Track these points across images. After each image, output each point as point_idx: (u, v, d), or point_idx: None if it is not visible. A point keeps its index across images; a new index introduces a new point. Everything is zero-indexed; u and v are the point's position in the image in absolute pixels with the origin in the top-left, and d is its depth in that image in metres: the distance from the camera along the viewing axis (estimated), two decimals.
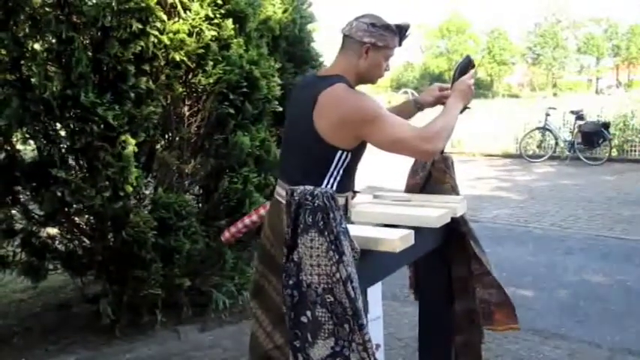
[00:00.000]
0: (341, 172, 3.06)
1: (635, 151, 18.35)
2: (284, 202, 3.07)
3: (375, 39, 3.07)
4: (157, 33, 4.80)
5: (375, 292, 3.87)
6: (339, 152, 3.02)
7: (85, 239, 5.49)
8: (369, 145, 3.09)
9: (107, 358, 4.98)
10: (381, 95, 49.15)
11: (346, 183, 3.11)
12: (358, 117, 2.94)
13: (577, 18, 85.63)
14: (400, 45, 3.21)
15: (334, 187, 3.04)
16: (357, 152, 3.08)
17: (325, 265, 2.31)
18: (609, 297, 6.30)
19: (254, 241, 5.31)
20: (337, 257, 2.29)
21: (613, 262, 7.60)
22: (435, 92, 3.59)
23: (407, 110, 3.57)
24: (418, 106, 3.60)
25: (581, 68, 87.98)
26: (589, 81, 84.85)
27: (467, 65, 3.71)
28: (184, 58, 4.99)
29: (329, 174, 3.05)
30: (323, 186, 3.02)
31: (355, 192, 3.29)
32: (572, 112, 18.75)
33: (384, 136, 2.95)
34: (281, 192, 3.13)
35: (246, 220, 3.58)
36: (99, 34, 4.68)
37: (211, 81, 5.18)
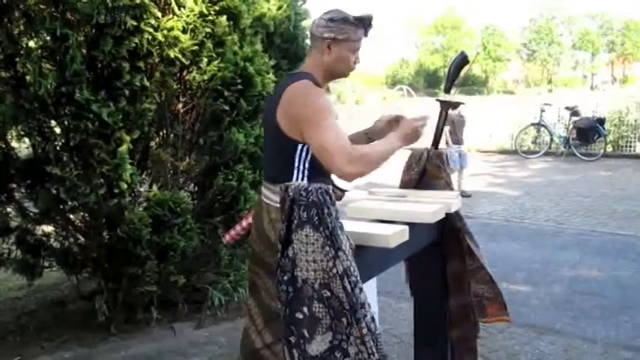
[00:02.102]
0: (307, 165, 3.07)
1: (629, 146, 18.40)
2: (267, 201, 3.13)
3: (335, 33, 3.09)
4: (151, 30, 4.80)
5: (370, 287, 3.88)
6: (300, 145, 3.04)
7: (80, 237, 5.48)
8: None
9: (102, 355, 4.98)
10: (376, 92, 49.18)
11: (317, 179, 3.05)
12: (304, 114, 2.96)
13: (572, 14, 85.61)
14: (366, 36, 3.20)
15: (302, 181, 3.06)
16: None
17: (321, 261, 2.31)
18: (604, 292, 6.32)
19: (249, 239, 5.31)
20: (333, 252, 2.29)
21: (607, 257, 7.62)
22: (383, 124, 3.54)
23: (358, 140, 3.47)
24: (368, 137, 3.55)
25: (576, 64, 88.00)
26: (584, 77, 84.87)
27: (462, 62, 3.71)
28: (179, 55, 4.98)
29: (295, 169, 3.08)
30: (292, 181, 3.04)
31: (342, 190, 3.29)
32: (567, 108, 18.78)
33: (315, 140, 2.91)
34: (264, 191, 3.20)
35: (244, 223, 3.58)
36: (93, 31, 4.67)
37: (206, 78, 5.18)
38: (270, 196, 3.15)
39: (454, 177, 12.24)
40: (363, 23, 3.14)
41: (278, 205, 3.09)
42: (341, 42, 3.10)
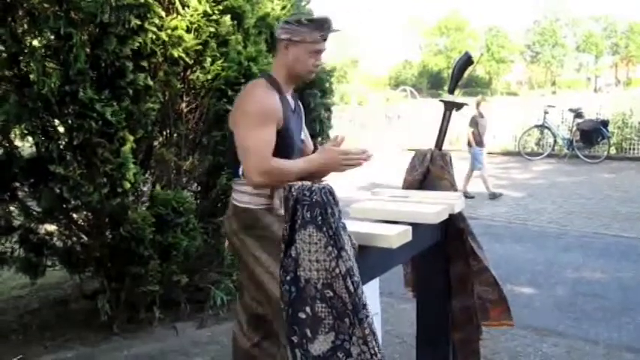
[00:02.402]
0: None
1: (633, 149, 18.37)
2: (233, 202, 3.28)
3: (290, 34, 3.16)
4: (155, 29, 4.80)
5: (372, 287, 3.88)
6: None
7: (83, 236, 5.49)
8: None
9: (105, 354, 4.98)
10: (379, 93, 49.22)
11: None
12: (238, 111, 3.15)
13: (576, 16, 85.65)
14: (324, 39, 3.22)
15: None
16: None
17: (324, 261, 2.31)
18: (606, 294, 6.31)
19: None
20: (336, 252, 2.29)
21: (610, 259, 7.61)
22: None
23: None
24: None
25: (579, 66, 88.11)
26: (588, 79, 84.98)
27: (466, 62, 3.71)
28: (182, 55, 4.99)
29: (240, 166, 3.18)
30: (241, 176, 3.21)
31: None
32: (570, 110, 18.75)
33: (239, 139, 3.10)
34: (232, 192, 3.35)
35: None
36: (97, 30, 4.67)
37: (209, 77, 5.18)
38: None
39: (460, 178, 12.34)
40: (317, 25, 3.17)
41: (234, 202, 3.29)
42: (297, 43, 3.16)
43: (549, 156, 18.32)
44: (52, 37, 4.62)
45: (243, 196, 3.25)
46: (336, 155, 3.15)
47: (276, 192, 3.14)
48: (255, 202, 3.21)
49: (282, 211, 3.08)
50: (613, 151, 18.17)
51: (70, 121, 4.67)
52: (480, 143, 12.18)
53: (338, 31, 3.39)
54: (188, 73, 5.28)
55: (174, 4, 5.06)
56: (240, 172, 3.21)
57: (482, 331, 3.78)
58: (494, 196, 11.97)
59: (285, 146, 3.15)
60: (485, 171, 12.38)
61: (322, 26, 3.18)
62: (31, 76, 4.55)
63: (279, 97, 3.16)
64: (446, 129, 3.88)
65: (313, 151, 3.48)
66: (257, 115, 3.05)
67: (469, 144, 12.18)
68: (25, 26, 4.75)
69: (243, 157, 3.06)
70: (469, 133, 12.12)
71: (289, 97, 3.31)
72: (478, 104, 12.45)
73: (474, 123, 12.06)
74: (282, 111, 3.15)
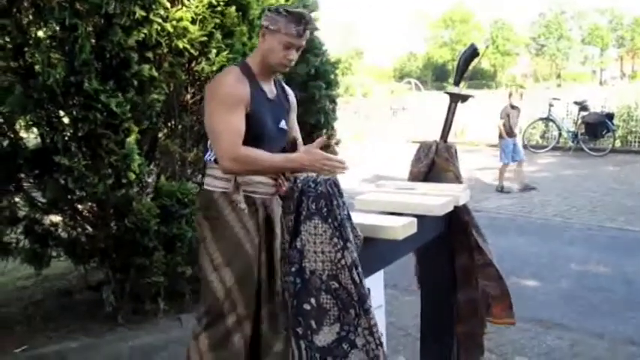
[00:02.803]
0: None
1: (638, 142, 18.31)
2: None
3: (268, 22, 3.17)
4: (160, 20, 4.80)
5: (377, 280, 3.88)
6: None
7: (87, 227, 5.49)
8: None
9: (109, 345, 4.99)
10: (384, 85, 49.17)
11: None
12: (208, 93, 3.19)
13: (582, 8, 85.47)
14: (301, 35, 3.19)
15: (213, 158, 3.26)
16: None
17: (329, 252, 2.31)
18: (611, 288, 6.30)
19: None
20: (342, 244, 2.29)
21: (615, 252, 7.60)
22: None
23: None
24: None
25: (585, 59, 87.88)
26: (593, 72, 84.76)
27: (472, 54, 3.70)
28: (187, 46, 4.98)
29: (209, 145, 3.26)
30: (206, 157, 3.32)
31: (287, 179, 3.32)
32: (575, 102, 18.69)
33: (208, 124, 3.15)
34: None
35: None
36: (102, 21, 4.67)
37: (214, 69, 5.18)
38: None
39: (510, 171, 12.33)
40: (293, 19, 3.15)
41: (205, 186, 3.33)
42: (273, 32, 3.16)
43: (554, 149, 18.26)
44: (57, 28, 4.61)
45: (206, 178, 3.33)
46: (319, 158, 3.08)
47: (234, 177, 3.18)
48: (213, 185, 3.26)
49: (237, 197, 3.19)
50: (618, 144, 18.11)
51: (74, 112, 4.66)
52: (510, 134, 12.02)
53: (315, 29, 3.39)
54: (193, 64, 5.28)
55: None
56: (207, 157, 3.31)
57: (486, 324, 3.78)
58: (501, 189, 11.93)
59: (252, 133, 3.14)
60: (516, 164, 12.28)
61: (299, 21, 3.16)
62: (36, 67, 4.55)
63: (249, 84, 3.18)
64: (451, 121, 3.87)
65: (294, 149, 3.49)
66: (224, 100, 3.09)
67: (500, 135, 12.10)
68: (31, 17, 4.75)
69: (213, 142, 3.12)
70: (499, 125, 12.00)
71: (265, 85, 3.31)
72: (510, 95, 12.38)
73: (505, 114, 11.94)
74: (252, 97, 3.16)
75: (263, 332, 3.36)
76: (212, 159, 3.25)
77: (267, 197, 3.33)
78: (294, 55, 3.25)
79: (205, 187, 3.33)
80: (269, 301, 3.35)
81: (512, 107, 12.10)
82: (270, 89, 3.35)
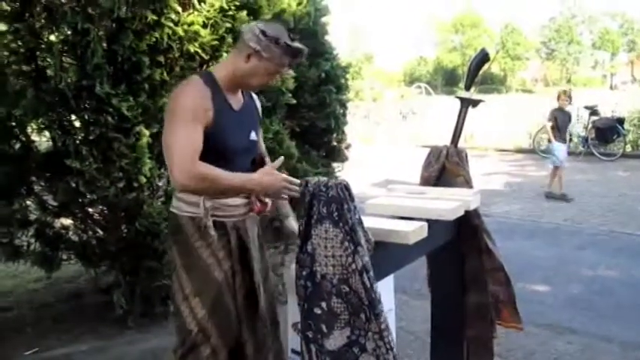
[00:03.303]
0: None
1: None
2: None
3: (261, 48, 2.98)
4: (171, 24, 4.81)
5: (387, 284, 3.88)
6: None
7: (98, 230, 5.52)
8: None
9: (119, 348, 5.01)
10: (394, 89, 49.18)
11: None
12: (170, 104, 3.00)
13: (592, 13, 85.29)
14: (290, 67, 3.13)
15: None
16: None
17: (340, 256, 2.31)
18: (621, 292, 6.29)
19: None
20: (353, 248, 2.29)
21: (625, 257, 7.58)
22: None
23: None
24: None
25: (595, 64, 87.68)
26: (603, 76, 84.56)
27: (483, 59, 3.70)
28: (199, 50, 5.00)
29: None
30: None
31: (264, 202, 3.28)
32: (586, 107, 18.64)
33: (164, 137, 2.93)
34: None
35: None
36: (114, 25, 4.69)
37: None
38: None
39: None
40: (291, 53, 3.03)
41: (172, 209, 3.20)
42: (262, 58, 2.99)
43: None
44: (70, 32, 4.64)
45: (174, 201, 3.18)
46: (278, 181, 3.01)
47: (202, 201, 3.03)
48: (180, 208, 3.12)
49: (206, 222, 3.04)
50: (629, 148, 18.04)
51: (86, 116, 4.69)
52: (559, 138, 11.73)
53: (303, 62, 3.28)
54: (204, 68, 5.29)
55: None
56: None
57: (496, 328, 3.77)
58: (563, 197, 11.51)
59: (216, 148, 3.01)
60: (562, 169, 11.85)
61: (295, 56, 3.07)
62: (49, 71, 4.58)
63: (213, 96, 3.00)
64: (462, 126, 3.87)
65: (258, 167, 3.25)
66: (182, 112, 2.91)
67: (549, 139, 11.93)
68: (43, 21, 4.77)
69: (167, 156, 2.89)
70: (547, 128, 11.85)
71: (230, 96, 3.14)
72: (559, 97, 12.08)
73: (553, 117, 11.75)
74: (215, 110, 2.98)
75: (248, 354, 3.26)
76: None
77: (239, 219, 3.20)
78: (274, 80, 3.19)
79: (172, 209, 3.19)
80: (251, 324, 3.26)
81: (560, 110, 11.86)
82: (236, 100, 3.18)
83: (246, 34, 3.04)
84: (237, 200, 3.16)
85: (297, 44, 3.06)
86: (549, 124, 11.72)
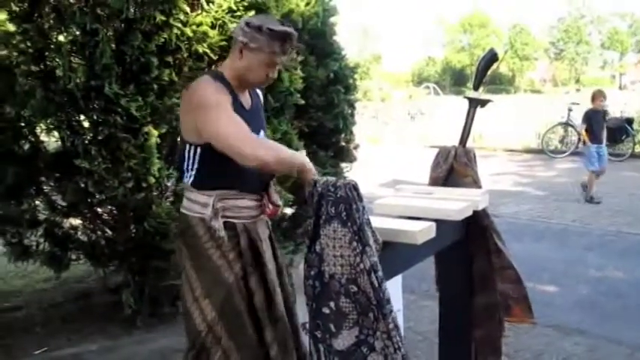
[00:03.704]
0: (195, 167, 3.08)
1: None
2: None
3: (248, 39, 2.99)
4: (180, 25, 4.82)
5: (395, 284, 3.88)
6: (187, 146, 3.08)
7: (107, 230, 5.53)
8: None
9: (128, 347, 5.02)
10: (402, 90, 49.15)
11: (207, 181, 3.09)
12: (196, 101, 2.96)
13: (601, 13, 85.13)
14: (284, 53, 3.07)
15: (190, 180, 3.11)
16: (208, 149, 3.02)
17: (349, 256, 2.31)
18: (630, 294, 6.28)
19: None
20: (361, 248, 2.30)
21: (633, 258, 7.56)
22: None
23: None
24: None
25: (604, 64, 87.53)
26: (612, 76, 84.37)
27: (491, 59, 3.70)
28: (207, 50, 5.00)
29: (185, 167, 3.12)
30: (184, 179, 3.15)
31: (277, 205, 3.30)
32: None
33: (212, 132, 2.91)
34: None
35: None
36: (122, 25, 4.70)
37: None
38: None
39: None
40: (277, 37, 3.00)
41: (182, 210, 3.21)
42: (252, 50, 3.00)
43: (573, 154, 18.14)
44: (78, 32, 4.65)
45: (185, 202, 3.19)
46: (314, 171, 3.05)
47: (212, 202, 3.05)
48: (191, 209, 3.12)
49: (215, 224, 3.05)
50: (638, 149, 17.96)
51: (95, 116, 4.70)
52: (594, 140, 11.43)
53: (300, 47, 3.27)
54: (213, 68, 5.30)
55: (199, 0, 5.07)
56: (185, 180, 3.16)
57: (504, 328, 3.77)
58: (590, 200, 11.31)
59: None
60: (599, 172, 11.54)
61: (283, 39, 3.02)
62: (57, 72, 4.59)
63: (228, 93, 3.02)
64: (470, 126, 3.87)
65: None
66: (215, 100, 2.92)
67: (583, 142, 11.75)
68: (52, 22, 4.79)
69: (229, 144, 2.87)
70: (581, 130, 11.67)
71: (241, 95, 3.15)
72: (595, 98, 11.74)
73: (587, 118, 11.57)
74: (232, 107, 3.00)
75: (272, 357, 3.23)
76: (190, 181, 3.12)
77: (249, 221, 3.21)
78: (275, 73, 3.14)
79: (182, 210, 3.19)
80: (272, 325, 3.24)
81: (595, 111, 11.60)
82: (246, 99, 3.20)
83: (235, 30, 3.10)
84: (248, 202, 3.18)
85: (282, 27, 3.04)
86: (583, 127, 11.53)
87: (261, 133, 3.28)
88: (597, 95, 11.80)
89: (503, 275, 3.58)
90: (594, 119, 11.42)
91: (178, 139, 5.31)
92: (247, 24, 3.03)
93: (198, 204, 3.09)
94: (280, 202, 3.34)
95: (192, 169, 3.09)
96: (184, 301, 3.17)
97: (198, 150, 3.04)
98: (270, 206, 3.29)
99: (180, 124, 3.15)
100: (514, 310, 3.69)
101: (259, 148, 2.88)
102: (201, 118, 2.93)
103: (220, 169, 3.04)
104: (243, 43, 3.01)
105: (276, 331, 3.26)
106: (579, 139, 18.08)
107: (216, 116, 2.90)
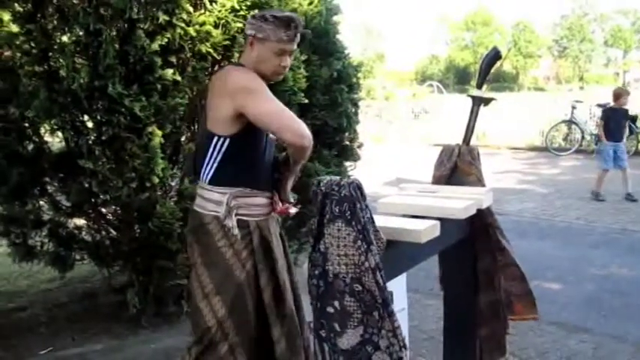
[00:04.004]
0: (218, 159, 3.10)
1: None
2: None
3: (255, 30, 3.06)
4: (183, 25, 4.82)
5: (399, 283, 3.88)
6: (215, 138, 3.08)
7: (111, 230, 5.54)
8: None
9: (133, 347, 5.02)
10: (406, 88, 49.08)
11: (225, 177, 3.12)
12: (239, 86, 2.99)
13: (604, 10, 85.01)
14: (292, 39, 3.11)
15: (208, 177, 3.13)
16: (236, 141, 3.07)
17: (353, 255, 2.31)
18: (634, 291, 6.27)
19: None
20: (365, 247, 2.29)
21: (638, 256, 7.55)
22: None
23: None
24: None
25: (608, 61, 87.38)
26: (616, 74, 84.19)
27: (494, 57, 3.70)
28: (210, 50, 5.00)
29: (206, 162, 3.13)
30: (201, 176, 3.16)
31: (290, 202, 3.33)
32: (598, 105, 18.52)
33: (263, 107, 2.96)
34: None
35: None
36: (126, 26, 4.70)
37: None
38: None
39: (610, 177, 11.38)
40: (282, 23, 3.05)
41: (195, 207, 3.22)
42: (261, 40, 3.06)
43: (577, 151, 18.13)
44: (82, 33, 4.65)
45: (198, 199, 3.21)
46: None
47: (227, 200, 3.08)
48: (204, 207, 3.15)
49: (229, 222, 3.07)
50: None
51: (99, 117, 4.71)
52: (610, 138, 11.31)
53: (306, 32, 3.31)
54: (216, 68, 5.29)
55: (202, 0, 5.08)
56: (203, 176, 3.17)
57: (509, 326, 3.77)
58: (596, 197, 11.30)
59: (251, 142, 3.11)
60: (620, 170, 11.44)
61: (288, 25, 3.06)
62: (61, 72, 4.61)
63: None
64: (474, 124, 3.86)
65: (281, 165, 3.35)
66: (263, 85, 3.03)
67: (598, 139, 11.67)
68: (55, 22, 4.80)
69: (284, 122, 2.94)
70: (599, 128, 11.56)
71: None
72: (619, 96, 11.57)
73: (605, 116, 11.41)
74: None
75: (278, 354, 3.26)
76: (208, 177, 3.14)
77: (262, 218, 3.24)
78: (288, 62, 3.17)
79: (196, 208, 3.21)
80: (280, 322, 3.27)
81: (615, 109, 11.56)
82: None
83: (246, 25, 3.16)
84: (261, 199, 3.21)
85: (285, 13, 3.13)
86: (601, 123, 11.46)
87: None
88: (622, 93, 11.73)
89: (507, 273, 3.58)
90: (613, 117, 11.37)
91: (183, 139, 5.37)
92: (253, 17, 3.11)
93: (212, 202, 3.11)
94: (292, 200, 3.35)
95: (214, 163, 3.11)
96: (194, 298, 3.18)
97: (227, 142, 3.07)
98: (280, 204, 3.32)
99: (208, 115, 3.14)
100: (516, 307, 3.69)
101: (306, 129, 2.96)
102: (249, 98, 2.97)
103: (241, 165, 3.10)
104: (252, 35, 3.08)
105: (285, 328, 3.29)
106: (583, 137, 18.10)
107: (267, 97, 2.98)
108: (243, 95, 2.97)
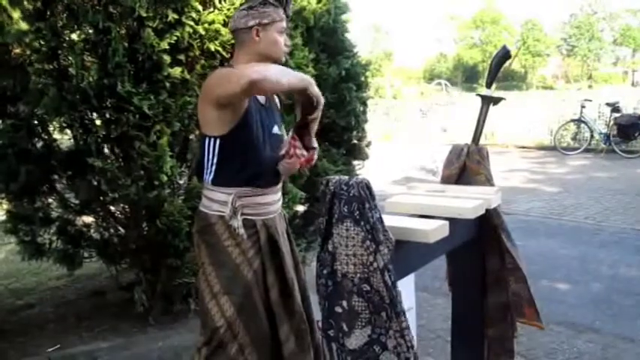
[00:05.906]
0: (214, 161, 3.09)
1: None
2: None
3: (259, 18, 3.07)
4: (192, 23, 4.82)
5: (408, 283, 3.88)
6: (207, 139, 3.08)
7: (119, 228, 5.55)
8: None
9: (140, 345, 5.03)
10: (414, 87, 49.02)
11: (226, 177, 3.12)
12: (212, 83, 3.00)
13: (613, 9, 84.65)
14: (287, 15, 3.17)
15: (210, 179, 3.13)
16: (227, 140, 3.06)
17: (362, 255, 2.31)
18: None
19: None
20: (374, 247, 2.29)
21: None
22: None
23: None
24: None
25: (616, 60, 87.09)
26: (625, 73, 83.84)
27: (504, 56, 3.69)
28: (219, 49, 5.00)
29: (205, 166, 3.13)
30: (204, 178, 3.17)
31: (306, 146, 3.26)
32: (607, 104, 18.51)
33: (220, 85, 2.94)
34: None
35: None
36: (135, 24, 4.70)
37: None
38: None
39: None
40: (279, 3, 3.11)
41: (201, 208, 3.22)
42: (266, 25, 3.08)
43: (586, 151, 18.11)
44: (91, 31, 4.66)
45: (204, 200, 3.21)
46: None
47: (232, 200, 3.08)
48: (210, 207, 3.15)
49: (235, 222, 3.07)
50: None
51: (107, 115, 4.72)
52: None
53: (293, 5, 3.31)
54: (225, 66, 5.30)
55: None
56: (205, 178, 3.17)
57: (517, 327, 3.76)
58: None
59: (244, 140, 3.07)
60: None
61: (281, 2, 3.13)
62: (70, 70, 4.61)
63: None
64: (483, 124, 3.85)
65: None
66: (233, 72, 2.97)
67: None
68: (65, 20, 4.79)
69: (229, 82, 2.87)
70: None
71: None
72: None
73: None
74: (248, 101, 3.06)
75: (287, 353, 3.26)
76: (210, 178, 3.14)
77: (268, 217, 3.25)
78: (288, 40, 3.23)
79: (201, 208, 3.22)
80: (288, 320, 3.28)
81: None
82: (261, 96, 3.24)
83: (239, 23, 3.13)
84: (267, 198, 3.21)
85: None
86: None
87: (275, 128, 3.30)
88: None
89: (516, 275, 3.57)
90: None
91: (191, 137, 5.37)
92: (250, 7, 3.10)
93: (217, 202, 3.12)
94: (316, 144, 3.31)
95: (212, 165, 3.11)
96: (202, 298, 3.18)
97: (218, 142, 3.06)
98: (305, 152, 3.24)
99: (199, 118, 3.15)
100: (526, 310, 3.68)
101: (252, 72, 2.85)
102: (221, 84, 2.94)
103: (239, 164, 3.09)
104: (257, 23, 3.07)
105: (293, 326, 3.29)
106: (592, 136, 18.06)
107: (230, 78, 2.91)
108: (217, 86, 2.97)
